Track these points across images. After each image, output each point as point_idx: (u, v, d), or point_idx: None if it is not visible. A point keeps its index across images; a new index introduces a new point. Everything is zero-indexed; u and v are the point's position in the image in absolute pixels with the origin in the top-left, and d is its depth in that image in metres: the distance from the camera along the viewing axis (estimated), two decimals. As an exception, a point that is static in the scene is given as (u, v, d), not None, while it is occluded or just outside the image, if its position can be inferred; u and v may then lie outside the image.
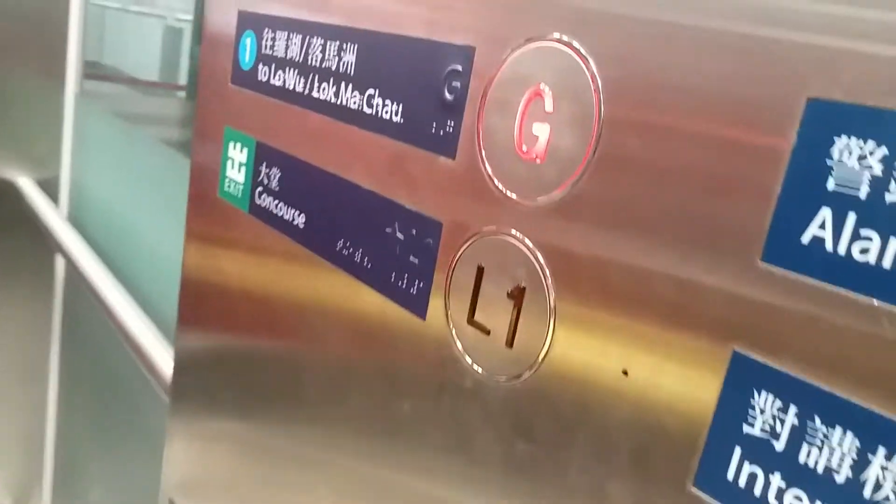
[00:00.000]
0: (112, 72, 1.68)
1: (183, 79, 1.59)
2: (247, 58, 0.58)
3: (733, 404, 0.28)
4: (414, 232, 0.43)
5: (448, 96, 0.40)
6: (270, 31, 0.55)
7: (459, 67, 0.40)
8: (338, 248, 0.49)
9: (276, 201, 0.55)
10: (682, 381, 0.30)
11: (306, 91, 0.51)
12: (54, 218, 1.41)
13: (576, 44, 0.34)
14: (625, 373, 0.32)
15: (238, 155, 0.60)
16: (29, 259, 1.62)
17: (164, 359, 0.97)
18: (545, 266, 0.36)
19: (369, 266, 0.46)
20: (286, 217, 0.54)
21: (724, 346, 0.29)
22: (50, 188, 1.52)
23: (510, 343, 0.37)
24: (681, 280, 0.30)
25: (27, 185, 1.52)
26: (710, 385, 0.29)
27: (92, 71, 1.53)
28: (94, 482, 1.49)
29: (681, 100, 0.30)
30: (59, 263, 1.53)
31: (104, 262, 1.26)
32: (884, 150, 0.24)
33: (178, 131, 1.42)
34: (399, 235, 0.44)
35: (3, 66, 1.59)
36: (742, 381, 0.28)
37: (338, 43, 0.48)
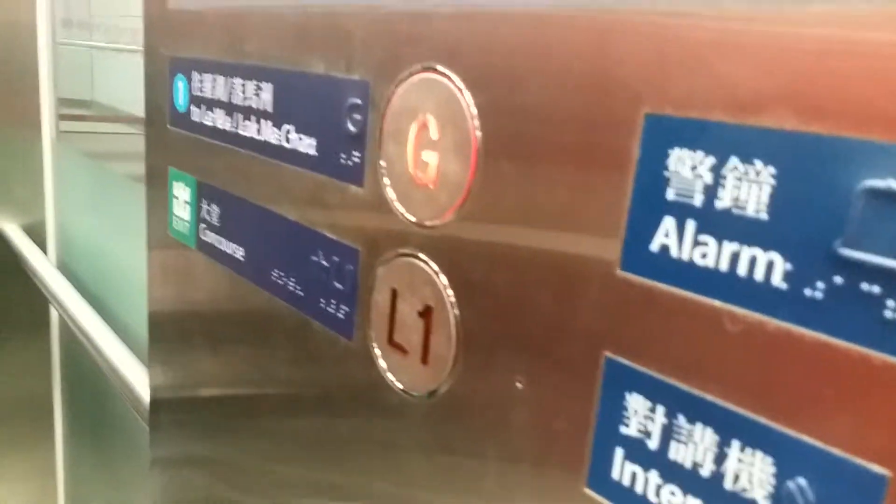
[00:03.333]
0: (107, 110, 1.70)
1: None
2: (181, 100, 0.60)
3: (611, 408, 0.30)
4: (336, 259, 0.44)
5: (351, 128, 0.42)
6: (198, 73, 0.57)
7: (358, 101, 0.41)
8: (273, 278, 0.50)
9: (218, 237, 0.57)
10: (568, 389, 0.31)
11: (233, 129, 0.53)
12: (44, 266, 1.43)
13: (451, 74, 0.35)
14: (519, 383, 0.33)
15: (182, 193, 0.62)
16: (24, 304, 1.64)
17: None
18: (447, 285, 0.37)
19: (301, 294, 0.48)
20: (227, 251, 0.56)
21: (598, 352, 0.30)
22: (37, 233, 1.55)
23: (425, 360, 0.39)
24: (557, 290, 0.31)
25: (14, 232, 1.54)
26: (590, 390, 0.30)
27: (78, 111, 1.55)
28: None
29: (542, 121, 0.31)
30: (54, 310, 1.56)
31: (95, 304, 1.28)
32: (712, 160, 0.26)
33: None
34: (323, 263, 0.45)
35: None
36: (616, 385, 0.29)
37: (254, 82, 0.50)
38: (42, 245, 1.55)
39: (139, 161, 0.70)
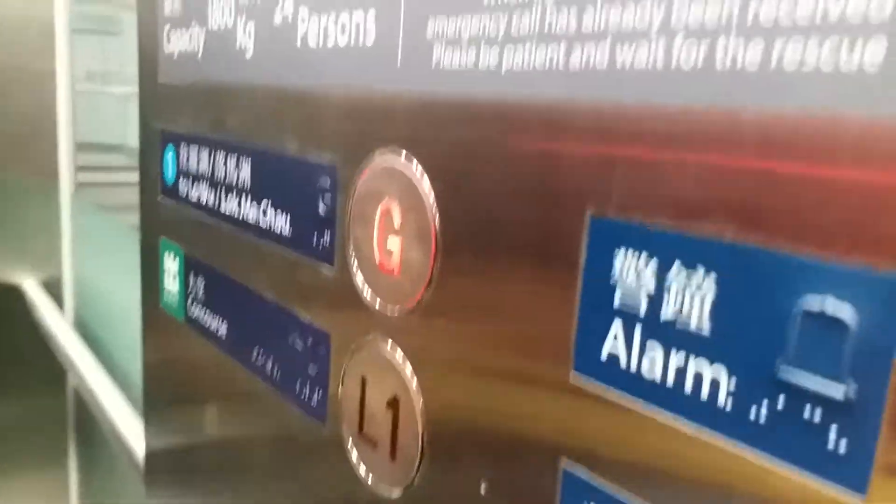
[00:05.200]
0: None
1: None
2: (170, 172, 0.60)
3: (567, 517, 0.28)
4: (309, 342, 0.44)
5: (322, 210, 0.41)
6: (185, 147, 0.57)
7: (328, 183, 0.41)
8: (254, 358, 0.50)
9: (205, 311, 0.57)
10: (529, 499, 0.30)
11: (216, 204, 0.53)
12: (59, 326, 1.43)
13: (412, 161, 0.35)
14: (483, 488, 0.32)
15: (172, 265, 0.62)
16: (42, 356, 1.65)
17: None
18: (413, 375, 0.36)
19: (279, 376, 0.47)
20: (212, 327, 0.55)
21: (556, 460, 0.29)
22: (54, 288, 1.56)
23: (393, 456, 0.38)
24: (515, 391, 0.30)
25: (32, 288, 1.56)
26: (549, 496, 0.29)
27: (111, 156, 1.56)
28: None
29: (495, 216, 0.31)
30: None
31: (110, 362, 1.28)
32: (655, 265, 0.25)
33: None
34: (298, 346, 0.45)
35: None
36: (574, 497, 0.28)
37: (236, 157, 0.50)
38: (59, 298, 1.56)
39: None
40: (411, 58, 0.34)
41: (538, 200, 0.29)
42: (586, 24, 0.26)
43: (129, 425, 1.06)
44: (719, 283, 0.23)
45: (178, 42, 0.57)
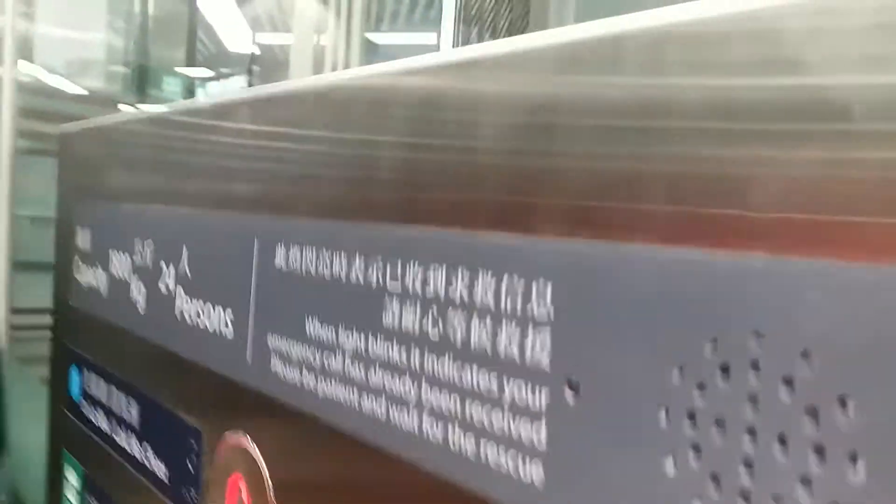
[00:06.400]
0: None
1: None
2: (75, 390, 0.65)
3: None
4: (177, 586, 0.47)
5: (190, 466, 0.46)
6: (87, 370, 0.62)
7: (194, 444, 0.46)
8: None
9: (97, 532, 0.60)
10: None
11: (111, 435, 0.57)
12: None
13: (253, 444, 0.40)
14: None
15: (73, 479, 0.65)
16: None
17: None
18: None
19: None
20: (101, 549, 0.58)
21: None
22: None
23: None
24: None
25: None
26: None
27: None
28: None
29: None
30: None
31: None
32: None
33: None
34: (168, 587, 0.48)
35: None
36: None
37: (125, 397, 0.55)
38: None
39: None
40: (256, 358, 0.40)
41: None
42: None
43: None
44: None
45: (87, 274, 0.62)
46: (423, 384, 0.29)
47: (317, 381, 0.35)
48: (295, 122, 0.39)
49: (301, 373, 0.36)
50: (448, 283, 0.28)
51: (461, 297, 0.27)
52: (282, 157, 0.40)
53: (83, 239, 0.64)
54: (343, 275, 0.34)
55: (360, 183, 0.34)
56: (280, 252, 0.38)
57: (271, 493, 0.39)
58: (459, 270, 0.27)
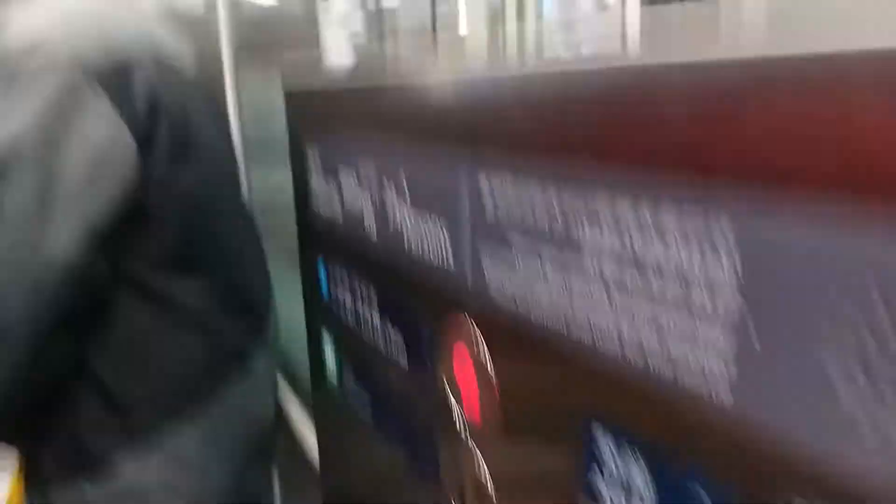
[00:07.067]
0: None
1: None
2: (322, 279, 0.82)
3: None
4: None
5: (424, 337, 0.61)
6: (334, 268, 0.79)
7: (427, 320, 0.61)
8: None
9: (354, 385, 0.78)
10: None
11: (355, 309, 0.74)
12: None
13: (470, 319, 0.54)
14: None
15: (329, 350, 0.84)
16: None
17: None
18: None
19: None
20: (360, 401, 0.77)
21: None
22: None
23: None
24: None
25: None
26: None
27: None
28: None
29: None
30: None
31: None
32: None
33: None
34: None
35: None
36: None
37: (368, 288, 0.71)
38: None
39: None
40: (471, 261, 0.53)
41: None
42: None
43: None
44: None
45: (321, 187, 0.78)
46: (613, 291, 0.40)
47: (520, 281, 0.48)
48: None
49: (507, 272, 0.49)
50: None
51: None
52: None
53: (315, 159, 0.79)
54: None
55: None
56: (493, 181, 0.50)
57: (486, 355, 0.52)
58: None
